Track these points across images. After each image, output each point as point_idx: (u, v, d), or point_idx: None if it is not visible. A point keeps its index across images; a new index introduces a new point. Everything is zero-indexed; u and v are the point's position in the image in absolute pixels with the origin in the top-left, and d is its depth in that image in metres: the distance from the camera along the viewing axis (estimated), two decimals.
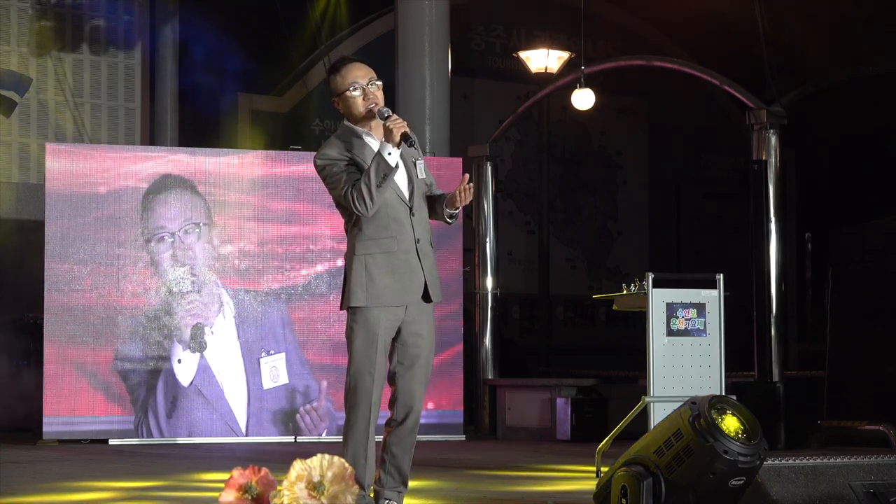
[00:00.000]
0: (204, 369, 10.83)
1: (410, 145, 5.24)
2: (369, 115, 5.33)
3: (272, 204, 10.94)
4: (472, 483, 7.43)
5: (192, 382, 10.75)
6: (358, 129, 5.37)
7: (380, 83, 5.36)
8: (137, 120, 14.51)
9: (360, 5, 15.42)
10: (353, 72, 5.33)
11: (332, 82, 5.38)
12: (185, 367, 10.76)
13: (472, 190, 5.27)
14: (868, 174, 15.48)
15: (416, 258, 5.32)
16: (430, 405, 10.91)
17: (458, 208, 5.35)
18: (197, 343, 10.86)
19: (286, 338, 11.10)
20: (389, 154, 5.16)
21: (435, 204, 5.43)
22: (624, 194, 17.61)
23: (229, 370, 10.95)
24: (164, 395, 10.65)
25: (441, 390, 11.00)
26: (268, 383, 11.06)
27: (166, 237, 10.78)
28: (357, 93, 5.31)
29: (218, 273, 10.91)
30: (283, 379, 11.06)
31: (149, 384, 10.65)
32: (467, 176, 5.31)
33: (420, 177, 5.37)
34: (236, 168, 10.87)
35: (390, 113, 5.25)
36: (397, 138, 5.17)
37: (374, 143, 5.33)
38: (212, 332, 10.87)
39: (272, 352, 11.08)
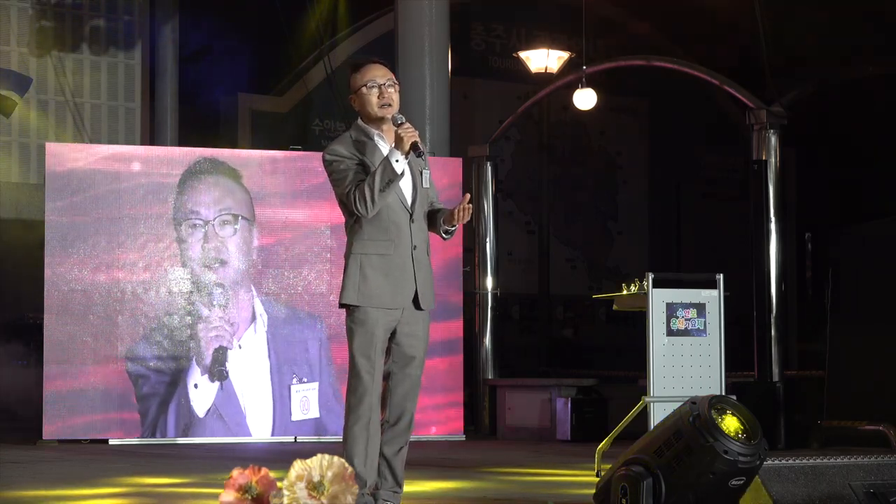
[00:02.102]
0: (225, 389, 10.46)
1: (419, 155, 5.30)
2: (383, 118, 5.39)
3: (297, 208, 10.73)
4: (472, 483, 7.43)
5: (208, 412, 10.41)
6: (370, 129, 5.43)
7: (397, 86, 5.43)
8: (137, 120, 14.52)
9: (360, 5, 15.44)
10: (373, 71, 5.41)
11: (351, 80, 5.46)
12: (201, 395, 10.42)
13: (470, 210, 5.35)
14: (867, 174, 15.47)
15: (410, 264, 5.38)
16: (431, 405, 10.86)
17: (455, 226, 5.42)
18: (217, 371, 10.39)
19: (322, 366, 10.66)
20: (397, 161, 5.23)
21: (434, 217, 5.50)
22: (624, 194, 17.61)
23: (254, 393, 10.51)
24: (175, 421, 10.38)
25: (441, 390, 10.99)
26: (297, 414, 10.62)
27: (199, 225, 10.57)
28: (373, 90, 5.37)
29: (254, 280, 10.64)
30: (314, 412, 10.66)
31: (162, 399, 10.34)
32: (468, 196, 5.39)
33: (424, 186, 5.43)
34: (243, 167, 10.84)
35: (404, 120, 5.32)
36: (407, 147, 5.23)
37: (384, 146, 5.40)
38: (240, 347, 10.49)
39: (305, 379, 10.61)
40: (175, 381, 10.47)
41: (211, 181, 10.65)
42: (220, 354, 10.50)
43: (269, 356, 10.60)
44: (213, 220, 10.62)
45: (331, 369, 10.72)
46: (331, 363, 10.72)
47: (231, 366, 10.51)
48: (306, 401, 10.59)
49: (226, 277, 10.62)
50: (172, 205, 10.57)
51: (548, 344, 16.19)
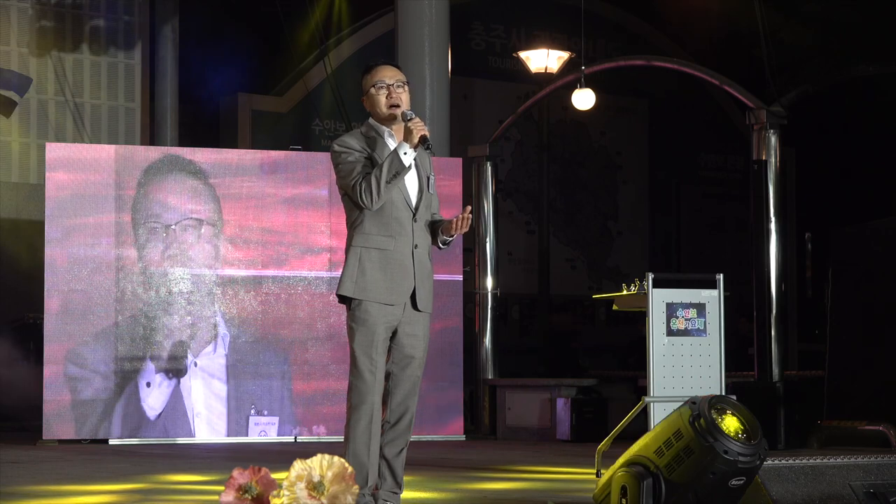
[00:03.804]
0: (177, 405, 10.22)
1: (427, 148, 5.36)
2: (393, 117, 5.44)
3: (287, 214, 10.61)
4: (472, 483, 7.43)
5: (160, 415, 10.22)
6: (381, 127, 5.47)
7: (407, 86, 5.48)
8: (137, 120, 14.52)
9: (360, 5, 15.44)
10: (382, 72, 5.47)
11: (362, 81, 5.52)
12: (154, 396, 10.21)
13: (469, 221, 5.38)
14: (868, 174, 15.47)
15: (410, 262, 5.41)
16: (431, 405, 10.84)
17: (453, 236, 5.46)
18: (174, 368, 10.11)
19: (283, 399, 10.38)
20: (405, 154, 5.28)
21: (433, 226, 5.53)
22: (624, 194, 17.61)
23: (208, 417, 10.23)
24: (121, 423, 10.24)
25: (441, 390, 10.98)
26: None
27: (159, 229, 10.45)
28: (382, 91, 5.42)
29: (218, 294, 10.51)
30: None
31: (107, 404, 10.17)
32: (469, 207, 5.43)
33: (430, 192, 5.48)
34: (239, 168, 10.83)
35: (413, 116, 5.38)
36: (416, 140, 5.29)
37: (394, 144, 5.44)
38: (195, 365, 10.30)
39: (265, 412, 10.34)
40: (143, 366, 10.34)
41: (203, 183, 10.61)
42: (180, 350, 10.29)
43: (227, 380, 10.40)
44: (215, 223, 10.58)
45: (292, 406, 10.46)
46: (291, 396, 10.50)
47: (188, 370, 10.27)
48: (265, 435, 10.37)
49: (225, 278, 10.60)
50: (171, 205, 10.55)
51: (547, 344, 16.16)
